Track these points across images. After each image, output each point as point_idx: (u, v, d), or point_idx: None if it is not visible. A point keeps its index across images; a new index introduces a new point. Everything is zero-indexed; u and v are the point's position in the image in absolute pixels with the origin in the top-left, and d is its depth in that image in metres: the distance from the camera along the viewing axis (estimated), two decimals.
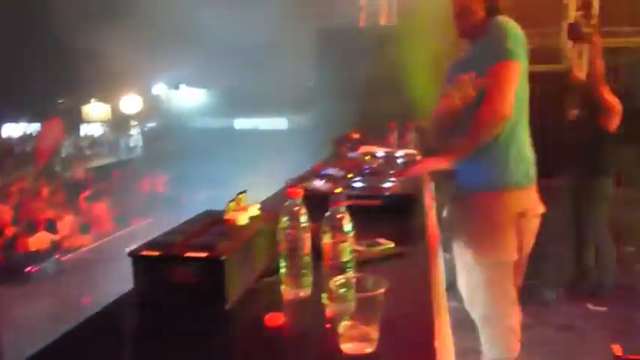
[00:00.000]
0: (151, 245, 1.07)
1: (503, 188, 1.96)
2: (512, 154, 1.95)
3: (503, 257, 1.99)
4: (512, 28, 1.92)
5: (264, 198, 2.01)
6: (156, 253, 1.04)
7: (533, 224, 2.03)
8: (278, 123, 14.54)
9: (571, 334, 3.35)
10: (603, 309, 3.63)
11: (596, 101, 3.65)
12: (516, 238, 1.98)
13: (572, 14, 8.42)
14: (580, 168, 3.84)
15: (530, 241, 2.05)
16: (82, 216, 9.49)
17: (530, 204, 2.00)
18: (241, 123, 15.01)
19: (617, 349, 2.81)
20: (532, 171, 2.03)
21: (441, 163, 2.01)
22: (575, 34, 3.98)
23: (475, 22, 2.01)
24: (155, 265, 1.04)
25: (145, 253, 1.05)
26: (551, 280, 3.74)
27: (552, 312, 3.63)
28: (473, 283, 2.12)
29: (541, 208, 2.06)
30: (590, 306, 3.70)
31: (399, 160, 2.62)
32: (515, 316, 2.12)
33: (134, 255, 1.05)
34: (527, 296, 3.69)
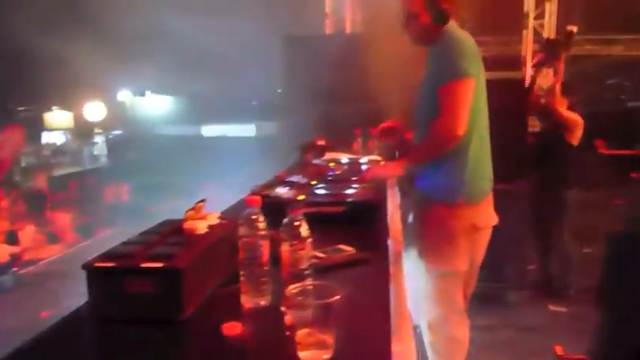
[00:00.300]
0: (106, 256, 1.05)
1: (456, 203, 2.01)
2: (466, 170, 1.99)
3: (453, 268, 2.05)
4: (464, 44, 1.95)
5: (233, 203, 2.00)
6: (111, 265, 1.02)
7: (485, 236, 2.10)
8: (246, 130, 14.47)
9: (533, 334, 3.43)
10: (563, 309, 3.74)
11: (557, 119, 3.78)
12: (468, 250, 2.04)
13: (531, 23, 8.70)
14: (545, 177, 3.94)
15: (481, 253, 2.12)
16: (45, 226, 9.20)
17: (482, 217, 2.06)
18: (209, 130, 14.88)
19: (558, 350, 2.92)
20: (487, 185, 2.08)
21: (394, 170, 2.06)
22: (550, 50, 4.04)
23: (421, 27, 2.03)
24: (110, 277, 1.02)
25: (99, 264, 1.03)
26: (513, 282, 3.84)
27: (515, 313, 3.72)
28: (422, 291, 2.16)
29: (494, 221, 2.11)
30: (551, 307, 3.81)
31: (363, 167, 2.64)
32: (461, 327, 2.16)
33: (88, 267, 1.03)
34: (491, 299, 3.79)
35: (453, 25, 2.04)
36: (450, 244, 2.02)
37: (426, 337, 2.22)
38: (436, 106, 1.94)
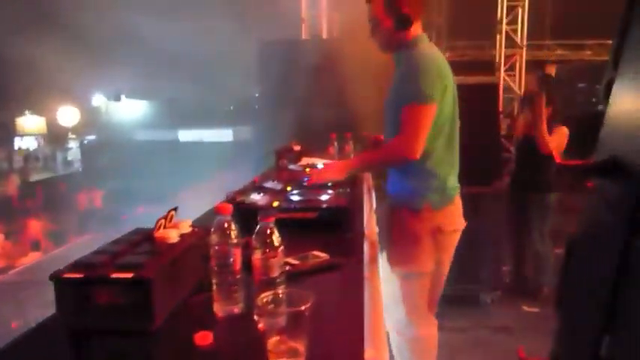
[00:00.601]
0: (74, 267, 1.03)
1: (421, 208, 2.05)
2: (431, 178, 2.05)
3: (418, 269, 2.09)
4: (433, 65, 1.96)
5: (207, 210, 1.99)
6: (79, 275, 1.01)
7: (452, 239, 2.13)
8: (223, 134, 14.38)
9: (507, 335, 3.49)
10: (536, 310, 3.81)
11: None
12: (433, 252, 2.07)
13: (504, 28, 8.85)
14: (527, 180, 3.95)
15: (448, 256, 2.15)
16: (16, 234, 9.00)
17: (448, 221, 2.09)
18: (185, 135, 14.75)
19: (521, 352, 2.98)
20: (453, 192, 2.12)
21: (337, 174, 2.09)
22: (529, 101, 3.99)
23: (385, 32, 2.06)
24: (78, 288, 1.00)
25: (67, 275, 1.01)
26: (488, 283, 3.89)
27: (489, 314, 3.78)
28: (389, 292, 2.20)
29: (461, 225, 2.15)
30: (525, 307, 3.89)
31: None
32: (426, 327, 2.20)
33: (56, 278, 1.01)
34: (465, 300, 3.84)
35: (423, 40, 2.07)
36: (414, 246, 2.07)
37: (393, 338, 2.26)
38: (398, 115, 1.99)
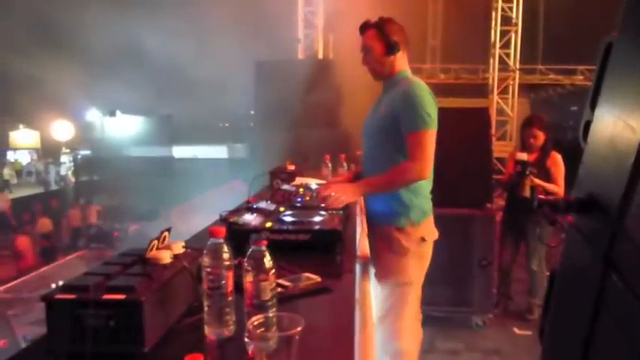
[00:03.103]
0: (66, 288, 1.04)
1: (405, 225, 2.20)
2: (412, 197, 2.19)
3: (408, 279, 2.19)
4: (428, 92, 2.12)
5: (200, 230, 1.99)
6: (71, 297, 1.01)
7: (430, 249, 2.27)
8: (218, 151, 14.39)
9: (498, 358, 3.48)
10: (528, 333, 3.80)
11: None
12: (418, 261, 2.21)
13: (498, 52, 8.97)
14: (525, 206, 3.85)
15: (427, 264, 2.27)
16: (6, 250, 8.90)
17: (428, 232, 2.25)
18: (180, 151, 14.74)
19: None
20: (429, 206, 2.28)
21: (353, 196, 2.19)
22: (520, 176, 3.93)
23: (375, 59, 2.22)
24: (70, 310, 1.00)
25: (59, 296, 1.01)
26: (479, 306, 3.88)
27: (480, 337, 3.77)
28: (378, 306, 2.28)
29: (436, 233, 2.30)
30: (517, 330, 3.88)
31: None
32: (411, 340, 2.27)
33: (48, 299, 1.01)
34: (457, 323, 3.83)
35: (409, 73, 2.26)
36: (403, 257, 2.18)
37: (382, 349, 2.30)
38: (388, 139, 2.15)
